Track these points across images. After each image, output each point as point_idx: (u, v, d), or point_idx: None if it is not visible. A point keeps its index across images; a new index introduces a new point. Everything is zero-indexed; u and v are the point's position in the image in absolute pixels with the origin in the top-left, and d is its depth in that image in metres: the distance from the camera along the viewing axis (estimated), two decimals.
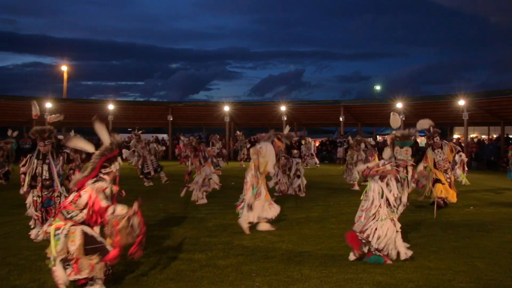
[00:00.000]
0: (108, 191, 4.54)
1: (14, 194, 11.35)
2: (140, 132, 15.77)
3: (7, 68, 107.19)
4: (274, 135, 7.71)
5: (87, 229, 4.45)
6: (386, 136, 8.38)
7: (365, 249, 5.60)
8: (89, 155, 6.04)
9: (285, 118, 28.52)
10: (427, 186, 5.99)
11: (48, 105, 25.88)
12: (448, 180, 9.60)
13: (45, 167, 6.57)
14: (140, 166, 14.62)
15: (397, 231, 5.53)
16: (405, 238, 5.81)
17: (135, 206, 4.38)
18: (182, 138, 25.26)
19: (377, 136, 31.54)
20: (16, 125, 30.03)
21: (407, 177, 5.60)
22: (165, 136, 33.70)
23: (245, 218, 7.24)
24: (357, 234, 5.57)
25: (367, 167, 5.61)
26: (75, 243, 4.36)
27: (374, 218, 5.47)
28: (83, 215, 4.42)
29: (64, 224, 4.41)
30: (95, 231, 4.52)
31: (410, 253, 5.58)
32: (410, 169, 5.65)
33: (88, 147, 4.87)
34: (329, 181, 15.03)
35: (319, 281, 4.88)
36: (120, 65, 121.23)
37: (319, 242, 6.65)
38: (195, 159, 10.72)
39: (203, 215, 8.78)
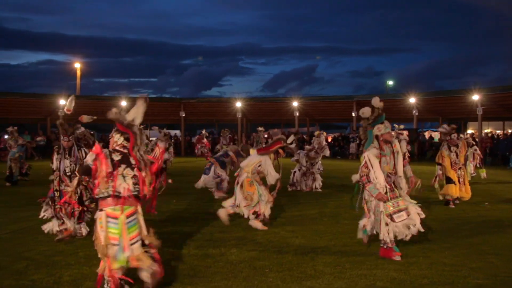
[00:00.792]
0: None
1: (31, 190, 11.54)
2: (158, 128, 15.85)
3: (21, 66, 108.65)
4: (278, 146, 7.49)
5: None
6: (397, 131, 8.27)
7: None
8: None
9: (297, 114, 28.46)
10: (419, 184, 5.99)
11: (62, 102, 26.10)
12: (461, 179, 9.44)
13: (66, 162, 6.55)
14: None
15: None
16: (418, 234, 5.77)
17: None
18: (203, 132, 25.43)
19: None
20: (31, 122, 30.48)
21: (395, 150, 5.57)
22: (177, 132, 33.86)
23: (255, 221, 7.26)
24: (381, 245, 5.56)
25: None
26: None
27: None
28: None
29: (136, 207, 4.37)
30: None
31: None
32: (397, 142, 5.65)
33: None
34: (342, 176, 14.96)
35: (333, 277, 4.88)
36: (133, 62, 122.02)
37: (333, 237, 6.64)
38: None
39: (216, 210, 8.79)
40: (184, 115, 29.64)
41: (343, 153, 27.05)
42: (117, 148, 4.42)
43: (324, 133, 12.95)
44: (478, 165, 10.12)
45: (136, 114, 4.60)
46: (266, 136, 24.50)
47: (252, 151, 7.57)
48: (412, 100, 24.48)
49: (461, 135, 10.00)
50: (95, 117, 5.93)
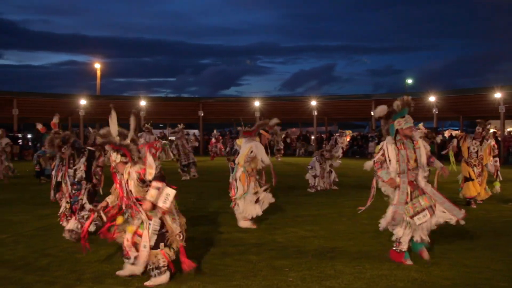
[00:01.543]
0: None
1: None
2: (182, 127, 15.83)
3: (44, 66, 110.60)
4: (261, 127, 7.58)
5: None
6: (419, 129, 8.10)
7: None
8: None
9: (316, 113, 28.36)
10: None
11: (82, 101, 26.49)
12: (479, 178, 9.18)
13: (71, 172, 6.37)
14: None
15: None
16: (439, 235, 5.70)
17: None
18: (214, 133, 25.66)
19: None
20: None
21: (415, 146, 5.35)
22: (196, 131, 34.06)
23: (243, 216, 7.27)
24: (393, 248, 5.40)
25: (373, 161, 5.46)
26: None
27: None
28: None
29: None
30: None
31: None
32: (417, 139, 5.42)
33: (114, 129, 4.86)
34: (361, 175, 14.85)
35: (352, 277, 4.85)
36: (152, 61, 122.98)
37: (352, 237, 6.60)
38: None
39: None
40: (202, 115, 29.80)
41: (362, 152, 26.87)
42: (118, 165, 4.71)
43: (349, 132, 12.90)
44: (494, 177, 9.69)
45: (115, 128, 4.81)
46: (284, 135, 24.56)
47: (240, 141, 7.61)
48: (432, 98, 24.19)
49: (486, 127, 9.59)
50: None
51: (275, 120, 7.80)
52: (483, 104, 23.92)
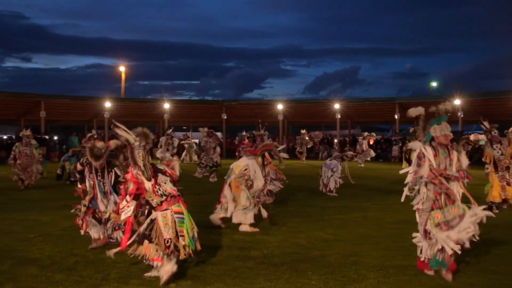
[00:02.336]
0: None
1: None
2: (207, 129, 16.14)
3: (71, 69, 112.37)
4: (266, 150, 7.50)
5: None
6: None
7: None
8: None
9: (339, 116, 28.21)
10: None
11: (107, 104, 26.93)
12: (508, 179, 8.99)
13: (100, 182, 6.32)
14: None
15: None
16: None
17: None
18: (243, 134, 25.68)
19: None
20: (79, 124, 31.68)
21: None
22: (219, 134, 34.23)
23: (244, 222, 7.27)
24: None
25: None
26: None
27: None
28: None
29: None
30: None
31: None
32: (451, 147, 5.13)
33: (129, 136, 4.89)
34: (386, 179, 14.71)
35: (376, 282, 4.81)
36: (176, 64, 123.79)
37: (376, 241, 6.54)
38: None
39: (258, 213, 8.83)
40: (226, 117, 29.95)
41: (386, 156, 26.56)
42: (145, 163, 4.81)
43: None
44: None
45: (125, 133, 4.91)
46: (307, 138, 24.51)
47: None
48: (457, 102, 23.75)
49: (506, 131, 9.48)
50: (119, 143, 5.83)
51: (282, 153, 7.94)
52: (510, 107, 23.38)
